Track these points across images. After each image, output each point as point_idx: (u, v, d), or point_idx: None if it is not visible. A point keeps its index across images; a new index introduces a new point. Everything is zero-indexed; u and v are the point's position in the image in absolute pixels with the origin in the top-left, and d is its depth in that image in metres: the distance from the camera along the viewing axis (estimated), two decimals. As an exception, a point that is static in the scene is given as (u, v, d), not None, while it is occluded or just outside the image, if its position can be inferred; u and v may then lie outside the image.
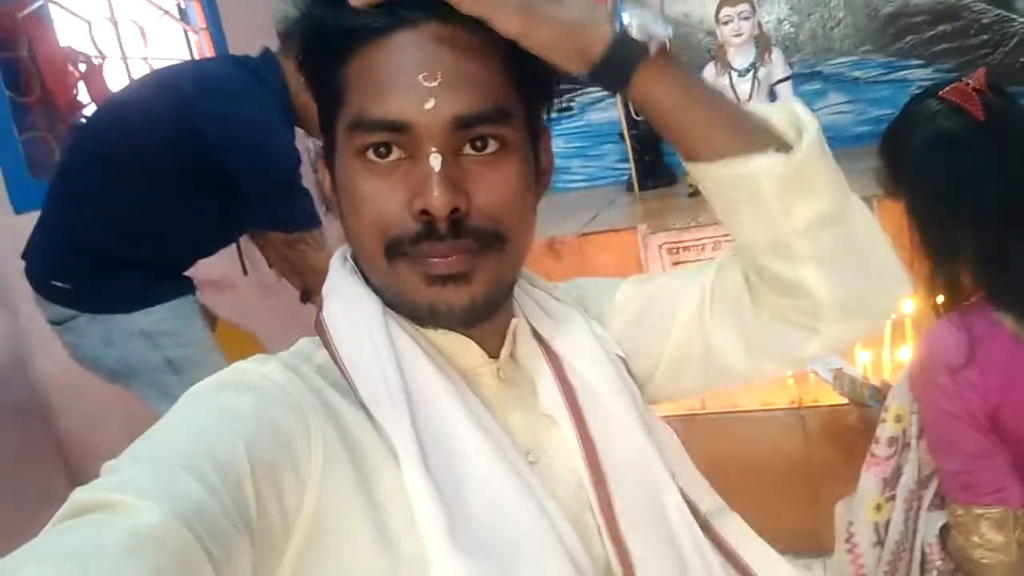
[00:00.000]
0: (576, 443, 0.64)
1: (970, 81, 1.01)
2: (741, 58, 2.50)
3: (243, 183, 1.54)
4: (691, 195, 2.61)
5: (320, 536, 0.52)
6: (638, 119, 2.89)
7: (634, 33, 0.56)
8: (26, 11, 2.10)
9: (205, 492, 0.45)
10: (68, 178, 1.60)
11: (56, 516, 0.44)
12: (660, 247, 2.33)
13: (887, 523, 1.14)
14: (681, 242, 2.31)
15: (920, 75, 2.89)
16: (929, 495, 1.14)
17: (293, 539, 0.51)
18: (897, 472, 1.14)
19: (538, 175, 0.65)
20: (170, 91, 1.56)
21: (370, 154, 0.57)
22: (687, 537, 0.64)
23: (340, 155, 0.59)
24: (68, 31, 2.32)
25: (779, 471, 1.81)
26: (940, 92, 1.02)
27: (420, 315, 0.60)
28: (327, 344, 0.62)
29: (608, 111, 3.17)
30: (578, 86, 3.30)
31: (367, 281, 0.63)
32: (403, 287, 0.59)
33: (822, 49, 3.05)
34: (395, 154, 0.57)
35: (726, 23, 2.47)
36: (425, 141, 0.55)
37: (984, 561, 1.01)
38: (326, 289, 0.66)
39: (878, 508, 1.16)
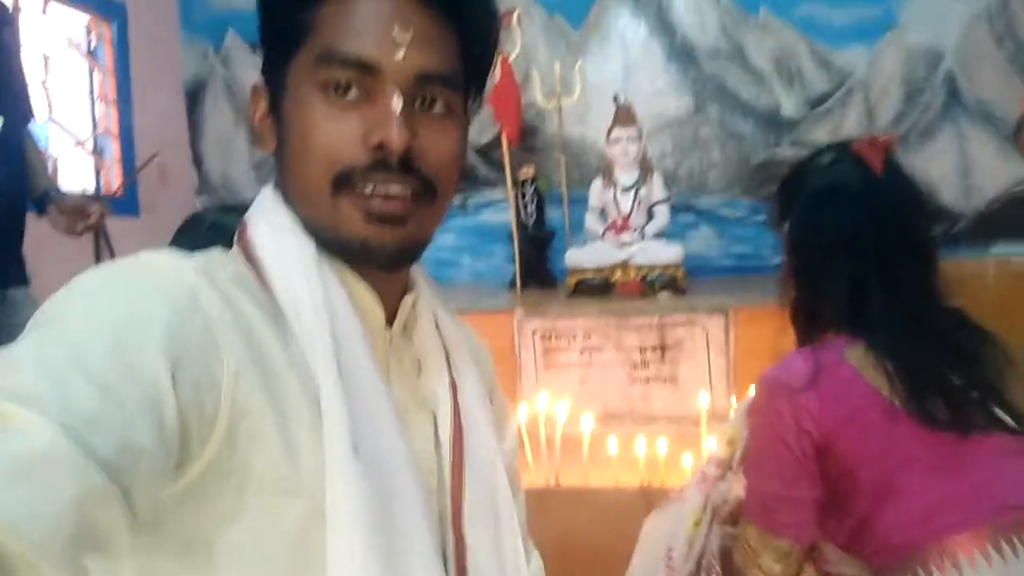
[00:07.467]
0: (448, 430, 0.69)
1: (884, 137, 1.11)
2: (626, 176, 2.71)
3: None
4: (571, 295, 2.72)
5: (232, 443, 0.53)
6: (527, 223, 3.04)
7: None
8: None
9: (110, 405, 0.45)
10: None
11: None
12: (533, 332, 2.40)
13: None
14: (554, 329, 2.39)
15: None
16: (726, 508, 1.19)
17: (208, 446, 0.51)
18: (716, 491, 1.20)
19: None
20: None
21: (330, 90, 0.60)
22: (511, 547, 0.71)
23: (293, 87, 0.62)
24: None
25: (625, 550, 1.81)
26: (854, 143, 1.11)
27: (352, 250, 0.62)
28: (253, 260, 0.62)
29: (501, 213, 3.32)
30: (473, 186, 3.45)
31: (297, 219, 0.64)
32: (341, 222, 0.61)
33: (698, 186, 3.35)
34: (353, 94, 0.60)
35: (616, 143, 2.70)
36: (388, 85, 0.60)
37: None
38: (252, 214, 0.67)
39: (697, 523, 1.19)
